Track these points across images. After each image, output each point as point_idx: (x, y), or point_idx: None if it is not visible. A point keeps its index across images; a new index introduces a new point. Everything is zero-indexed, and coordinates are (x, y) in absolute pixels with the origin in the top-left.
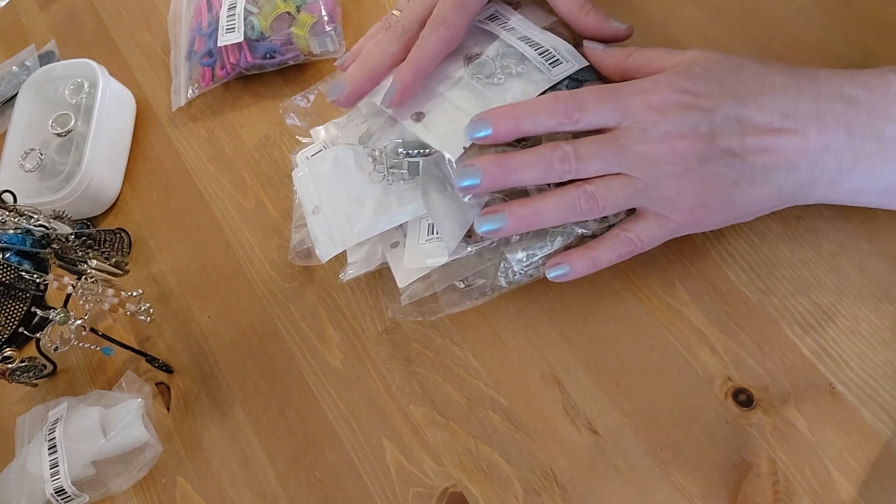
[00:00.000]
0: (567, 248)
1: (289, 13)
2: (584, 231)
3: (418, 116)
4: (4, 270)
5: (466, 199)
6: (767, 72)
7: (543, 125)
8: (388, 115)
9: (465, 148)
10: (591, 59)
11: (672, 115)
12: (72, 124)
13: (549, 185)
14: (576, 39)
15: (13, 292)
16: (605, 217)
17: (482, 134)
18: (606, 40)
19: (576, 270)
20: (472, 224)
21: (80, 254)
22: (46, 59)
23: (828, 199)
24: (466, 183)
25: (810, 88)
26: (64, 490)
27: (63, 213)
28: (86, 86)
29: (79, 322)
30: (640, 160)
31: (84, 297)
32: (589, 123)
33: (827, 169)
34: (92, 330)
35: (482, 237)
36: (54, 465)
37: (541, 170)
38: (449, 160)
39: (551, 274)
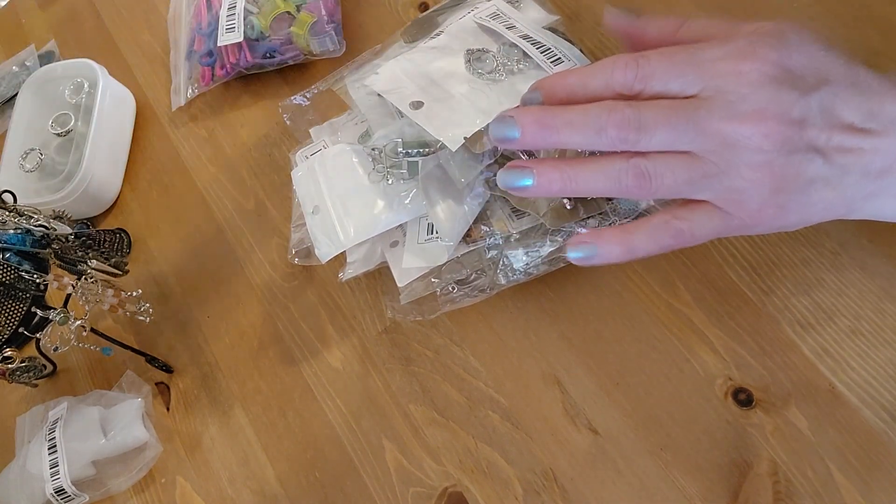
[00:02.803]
0: None
1: (289, 13)
2: (585, 231)
3: (417, 105)
4: (4, 270)
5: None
6: (853, 62)
7: (597, 91)
8: (387, 112)
9: (465, 138)
10: (621, 31)
11: (766, 89)
12: (72, 124)
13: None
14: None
15: (13, 292)
16: (603, 213)
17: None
18: None
19: (605, 255)
20: (472, 223)
21: (79, 254)
22: (46, 59)
23: (882, 213)
24: (502, 135)
25: (894, 90)
26: (64, 490)
27: (63, 213)
28: (86, 86)
29: (79, 322)
30: (719, 139)
31: (84, 297)
32: (655, 91)
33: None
34: (92, 330)
35: (482, 236)
36: (54, 465)
37: (589, 135)
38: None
39: (573, 255)
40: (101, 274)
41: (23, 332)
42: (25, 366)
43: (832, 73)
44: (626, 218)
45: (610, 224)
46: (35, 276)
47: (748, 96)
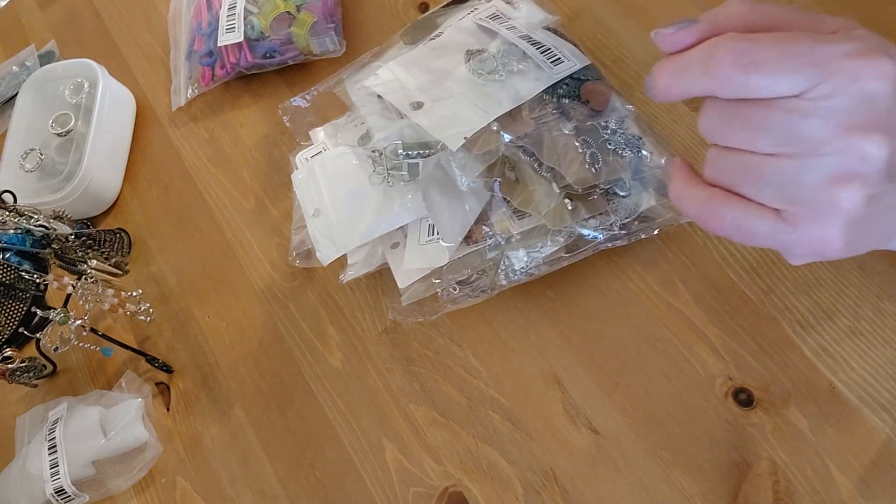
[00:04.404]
0: (568, 247)
1: (289, 13)
2: (586, 231)
3: (417, 105)
4: (4, 270)
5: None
6: None
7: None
8: (387, 113)
9: (465, 138)
10: (687, 44)
11: (883, 103)
12: (72, 124)
13: None
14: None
15: (13, 292)
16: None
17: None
18: None
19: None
20: (473, 224)
21: (80, 254)
22: (46, 59)
23: None
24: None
25: None
26: (64, 490)
27: (63, 213)
28: (86, 86)
29: (79, 322)
30: (825, 140)
31: (84, 297)
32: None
33: None
34: (92, 330)
35: (483, 237)
36: (54, 465)
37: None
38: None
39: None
40: (101, 274)
41: (23, 332)
42: (25, 366)
43: None
44: (626, 218)
45: (611, 224)
46: (35, 276)
47: (861, 108)
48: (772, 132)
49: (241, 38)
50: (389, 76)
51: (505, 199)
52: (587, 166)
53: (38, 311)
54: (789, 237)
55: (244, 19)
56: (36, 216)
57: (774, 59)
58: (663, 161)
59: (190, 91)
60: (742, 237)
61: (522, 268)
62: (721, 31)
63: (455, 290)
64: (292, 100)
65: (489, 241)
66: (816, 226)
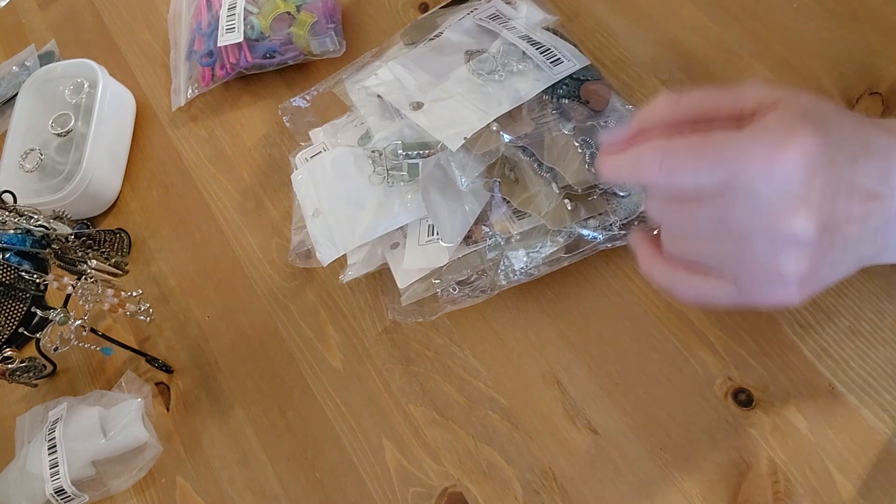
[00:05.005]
0: (568, 247)
1: (289, 13)
2: (586, 231)
3: (417, 105)
4: (4, 270)
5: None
6: (863, 123)
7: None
8: (387, 113)
9: (465, 139)
10: (622, 145)
11: (798, 182)
12: (72, 124)
13: None
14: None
15: (13, 292)
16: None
17: None
18: None
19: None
20: (472, 224)
21: (79, 254)
22: (46, 59)
23: (885, 261)
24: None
25: (882, 127)
26: (64, 490)
27: (63, 213)
28: (86, 86)
29: (79, 322)
30: (749, 232)
31: (84, 298)
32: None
33: None
34: (92, 330)
35: (483, 237)
36: (54, 465)
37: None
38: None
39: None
40: (101, 274)
41: (23, 332)
42: (25, 366)
43: (850, 140)
44: (626, 219)
45: (610, 224)
46: (35, 276)
47: (782, 191)
48: (704, 222)
49: (241, 39)
50: (389, 76)
51: (505, 199)
52: (587, 166)
53: (38, 312)
54: (749, 299)
55: (244, 19)
56: (36, 216)
57: (693, 163)
58: (629, 233)
59: (190, 91)
60: (709, 303)
61: (522, 268)
62: (652, 127)
63: (455, 290)
64: (292, 100)
65: (489, 242)
66: (769, 289)
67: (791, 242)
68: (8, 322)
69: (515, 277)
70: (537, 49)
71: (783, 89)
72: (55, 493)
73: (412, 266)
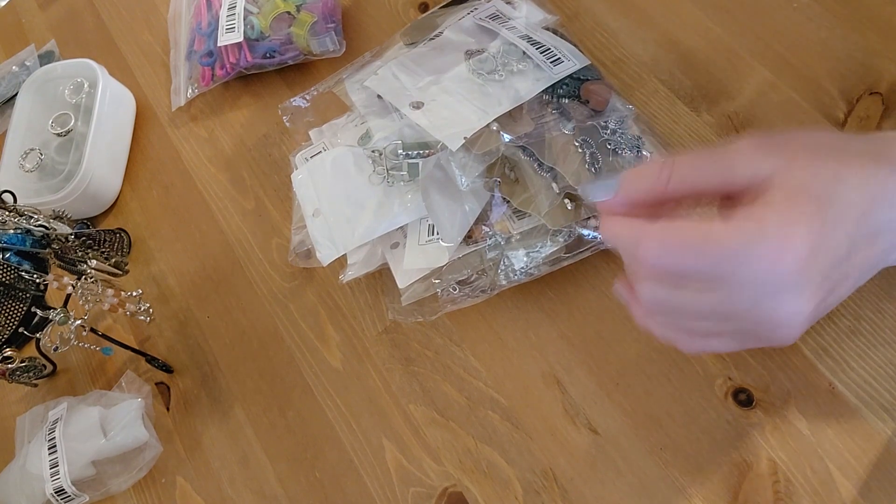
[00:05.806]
0: (568, 247)
1: (289, 13)
2: (586, 231)
3: (417, 105)
4: (4, 270)
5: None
6: (848, 143)
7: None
8: (387, 113)
9: (465, 138)
10: (612, 210)
11: (799, 272)
12: (72, 124)
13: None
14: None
15: (13, 292)
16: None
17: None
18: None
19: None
20: (472, 224)
21: (79, 254)
22: (46, 59)
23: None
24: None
25: (882, 158)
26: (64, 490)
27: (63, 213)
28: (86, 86)
29: (79, 322)
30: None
31: (84, 297)
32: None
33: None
34: (92, 330)
35: (483, 237)
36: (54, 465)
37: None
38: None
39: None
40: (101, 274)
41: (23, 332)
42: (25, 366)
43: (856, 193)
44: None
45: None
46: (35, 276)
47: (772, 280)
48: (701, 305)
49: (241, 38)
50: (389, 76)
51: (505, 199)
52: (587, 166)
53: (38, 311)
54: (751, 346)
55: (244, 19)
56: (36, 216)
57: (688, 258)
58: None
59: (190, 91)
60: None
61: (522, 268)
62: (641, 200)
63: (455, 290)
64: (292, 100)
65: (489, 242)
66: (770, 337)
67: (793, 315)
68: (8, 322)
69: (515, 277)
70: (537, 49)
71: (777, 152)
72: (55, 493)
73: (412, 266)
